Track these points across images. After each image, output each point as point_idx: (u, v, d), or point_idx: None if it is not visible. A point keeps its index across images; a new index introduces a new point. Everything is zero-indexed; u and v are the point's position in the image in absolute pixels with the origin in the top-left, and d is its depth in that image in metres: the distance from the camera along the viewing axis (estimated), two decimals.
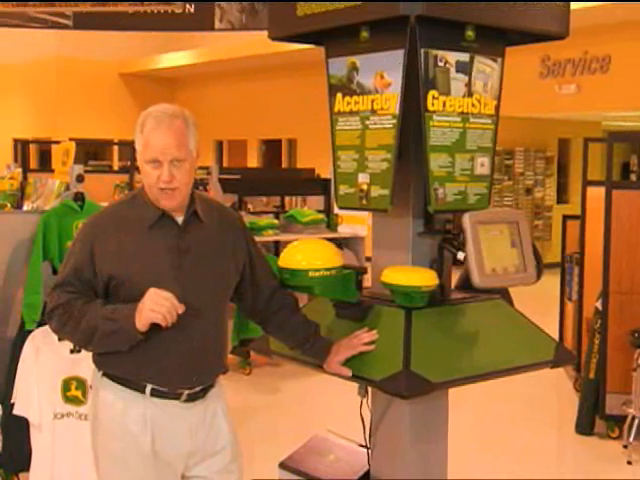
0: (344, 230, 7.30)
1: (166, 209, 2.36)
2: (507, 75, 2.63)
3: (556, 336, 2.69)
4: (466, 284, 2.60)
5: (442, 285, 2.58)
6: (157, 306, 2.20)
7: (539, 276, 2.66)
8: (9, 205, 4.95)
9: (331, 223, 7.30)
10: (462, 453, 4.34)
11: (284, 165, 16.74)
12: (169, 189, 2.32)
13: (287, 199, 9.22)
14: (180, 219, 2.39)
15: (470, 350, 2.55)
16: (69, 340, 2.45)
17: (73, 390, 3.88)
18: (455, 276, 2.77)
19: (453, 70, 2.44)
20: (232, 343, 6.26)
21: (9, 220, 4.23)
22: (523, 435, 5.55)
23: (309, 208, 7.83)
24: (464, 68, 2.47)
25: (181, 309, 2.23)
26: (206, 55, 15.80)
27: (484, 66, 2.52)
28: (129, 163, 8.64)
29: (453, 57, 2.43)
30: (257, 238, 2.63)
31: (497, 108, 2.60)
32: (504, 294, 2.74)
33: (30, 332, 3.94)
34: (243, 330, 6.29)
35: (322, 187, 7.61)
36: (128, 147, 8.31)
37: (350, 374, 2.49)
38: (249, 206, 8.24)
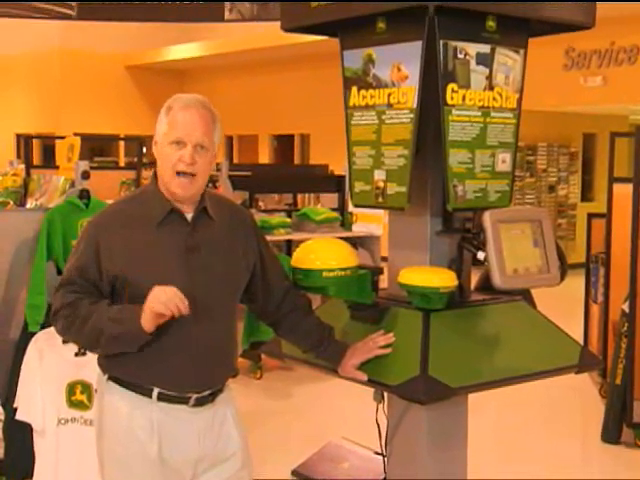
0: (359, 229, 7.29)
1: (177, 199, 2.36)
2: (530, 67, 2.62)
3: (581, 340, 2.68)
4: (486, 285, 2.60)
5: (461, 286, 2.58)
6: (159, 299, 2.21)
7: (563, 277, 2.65)
8: (12, 203, 4.99)
9: (345, 222, 7.29)
10: (482, 461, 4.33)
11: (296, 161, 16.75)
12: (188, 174, 2.33)
13: (300, 197, 9.22)
14: (189, 216, 2.40)
15: (490, 354, 2.55)
16: (75, 343, 2.47)
17: (78, 394, 3.89)
18: (475, 277, 2.77)
19: (473, 62, 2.44)
20: (242, 346, 6.27)
21: (12, 218, 4.26)
22: (546, 443, 5.54)
23: (322, 206, 7.83)
24: (485, 60, 2.46)
25: (184, 303, 2.22)
26: (216, 47, 15.82)
27: (506, 58, 2.52)
28: (136, 159, 8.67)
29: (473, 48, 2.43)
30: (268, 237, 2.64)
31: (519, 102, 2.60)
32: (526, 296, 2.74)
33: (33, 334, 3.96)
34: (254, 332, 6.29)
35: (336, 184, 7.61)
36: (134, 143, 8.34)
37: (365, 378, 2.49)
38: (260, 204, 8.26)
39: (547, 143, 13.86)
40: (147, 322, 2.24)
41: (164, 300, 2.20)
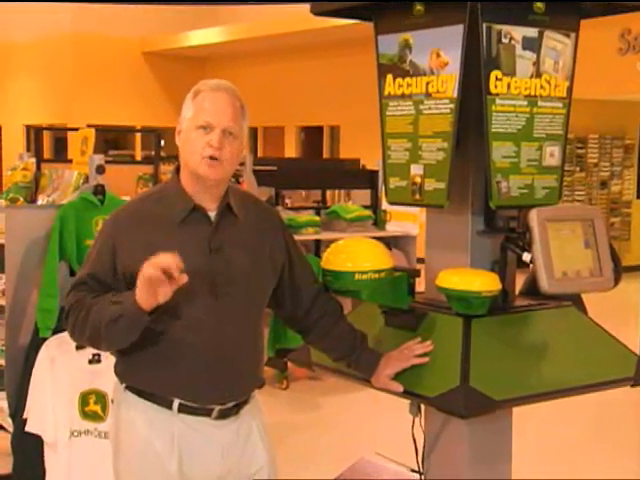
0: (393, 228, 7.28)
1: (204, 182, 2.36)
2: (581, 52, 2.61)
3: (637, 349, 2.67)
4: (532, 289, 2.59)
5: (505, 290, 2.58)
6: (146, 264, 2.18)
7: (617, 281, 2.64)
8: (22, 199, 5.03)
9: (379, 220, 7.29)
10: None
11: (326, 155, 16.77)
12: (214, 159, 2.33)
13: (329, 193, 9.22)
14: (213, 214, 2.42)
15: (537, 364, 2.54)
16: (83, 341, 2.46)
17: (92, 405, 3.93)
18: (520, 280, 2.76)
19: (519, 47, 2.43)
20: (267, 353, 6.29)
21: (22, 216, 4.29)
22: (596, 463, 5.50)
23: (354, 203, 7.83)
24: (532, 45, 2.46)
25: (177, 264, 2.18)
26: (239, 32, 15.88)
27: (555, 42, 2.51)
28: (153, 153, 8.72)
29: (519, 32, 2.43)
30: (295, 237, 2.65)
31: (569, 90, 2.59)
32: (576, 301, 2.72)
33: (44, 340, 4.00)
34: (280, 339, 6.32)
35: (369, 180, 7.60)
36: (152, 135, 8.38)
37: (401, 389, 2.49)
38: (287, 201, 8.26)
39: (599, 135, 13.75)
40: (142, 295, 2.20)
41: (152, 262, 2.18)
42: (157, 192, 2.51)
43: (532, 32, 2.45)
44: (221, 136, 2.33)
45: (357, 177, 8.22)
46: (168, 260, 2.18)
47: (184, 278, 2.20)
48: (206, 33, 16.70)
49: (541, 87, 2.51)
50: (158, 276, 2.18)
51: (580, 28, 2.58)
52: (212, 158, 2.33)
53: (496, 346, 2.49)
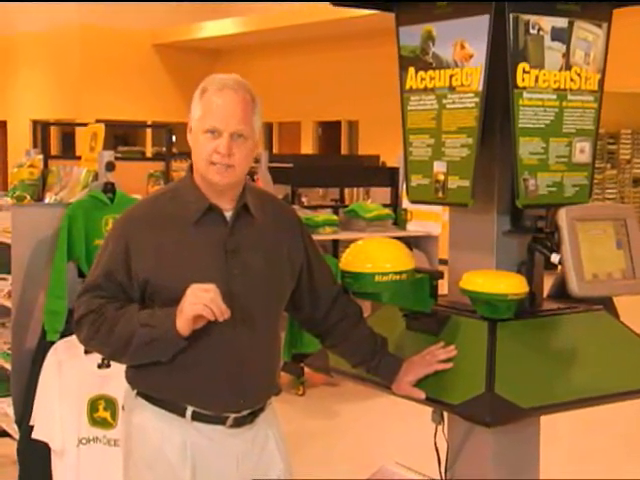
0: (414, 228, 7.27)
1: (215, 188, 2.37)
2: (613, 43, 2.60)
3: None
4: (561, 292, 2.59)
5: (532, 293, 2.57)
6: (198, 298, 2.23)
7: None
8: (28, 197, 5.05)
9: (399, 219, 7.28)
10: None
11: (344, 151, 16.77)
12: (224, 165, 2.34)
13: (347, 191, 9.23)
14: (229, 214, 2.42)
15: (566, 370, 2.54)
16: (100, 352, 2.49)
17: (101, 411, 3.94)
18: (548, 283, 2.75)
19: (548, 38, 2.43)
20: (283, 359, 6.30)
21: (29, 214, 4.31)
22: (629, 474, 5.47)
23: (373, 202, 7.83)
24: (561, 36, 2.45)
25: (227, 311, 2.25)
26: (254, 23, 15.90)
27: (586, 33, 2.51)
28: (164, 149, 8.75)
29: (548, 23, 2.42)
30: (313, 236, 2.65)
31: (601, 83, 2.58)
32: (608, 304, 2.72)
33: (52, 343, 4.02)
34: (296, 343, 6.32)
35: (389, 177, 7.60)
36: (163, 130, 8.40)
37: (423, 396, 2.49)
38: (303, 199, 8.29)
39: (632, 130, 13.69)
40: (183, 325, 2.25)
41: (206, 301, 2.22)
42: (171, 191, 2.51)
43: (562, 22, 2.45)
44: (229, 141, 2.33)
45: (377, 174, 8.22)
46: (218, 301, 2.23)
47: (227, 314, 2.25)
48: (219, 24, 16.72)
49: (571, 80, 2.50)
50: (208, 317, 2.23)
51: (612, 18, 2.57)
52: (221, 165, 2.34)
53: (523, 351, 2.48)
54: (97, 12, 16.79)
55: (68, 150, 15.82)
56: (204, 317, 2.24)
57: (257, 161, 7.09)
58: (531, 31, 2.40)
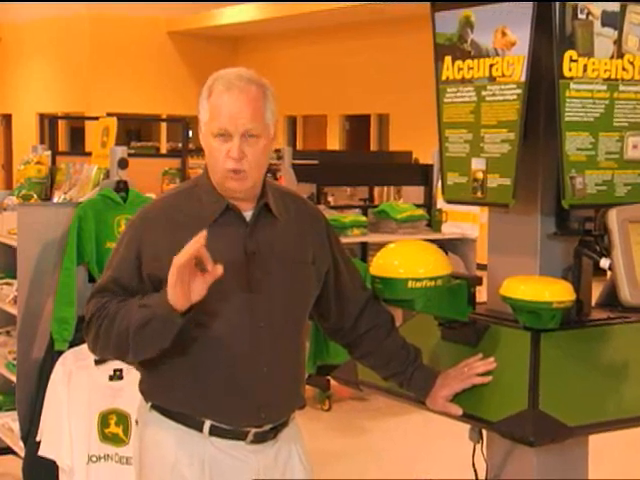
0: (450, 230, 7.27)
1: (233, 194, 2.39)
2: None
3: None
4: (611, 300, 2.57)
5: (580, 301, 2.57)
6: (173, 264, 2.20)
7: None
8: (35, 196, 5.08)
9: (433, 221, 7.28)
10: None
11: (373, 147, 16.79)
12: (238, 171, 2.35)
13: (377, 190, 9.24)
14: (248, 215, 2.43)
15: (616, 386, 2.53)
16: (108, 352, 2.48)
17: (113, 426, 3.96)
18: (597, 290, 2.73)
19: (598, 24, 2.42)
20: (307, 370, 6.30)
21: (36, 214, 4.33)
22: None
23: (405, 201, 7.83)
24: (613, 21, 2.45)
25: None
26: (276, 9, 15.94)
27: None
28: (180, 144, 8.80)
29: (598, 7, 2.41)
30: (340, 239, 2.65)
31: None
32: None
33: (61, 353, 4.04)
34: (322, 354, 6.33)
35: (422, 175, 7.60)
36: (179, 125, 8.46)
37: (460, 413, 2.48)
38: (329, 199, 8.31)
39: None
40: (174, 292, 2.22)
41: (183, 251, 2.19)
42: (187, 189, 2.52)
43: (613, 6, 2.44)
44: (240, 143, 2.34)
45: (409, 172, 8.22)
46: (201, 249, 2.19)
47: (219, 270, 2.22)
48: (239, 10, 16.77)
49: (623, 69, 2.49)
50: (190, 264, 2.19)
51: None
52: (235, 171, 2.35)
53: (569, 364, 2.48)
54: None
55: (77, 146, 15.95)
56: (197, 281, 2.21)
57: (280, 158, 7.12)
58: (579, 16, 2.39)
